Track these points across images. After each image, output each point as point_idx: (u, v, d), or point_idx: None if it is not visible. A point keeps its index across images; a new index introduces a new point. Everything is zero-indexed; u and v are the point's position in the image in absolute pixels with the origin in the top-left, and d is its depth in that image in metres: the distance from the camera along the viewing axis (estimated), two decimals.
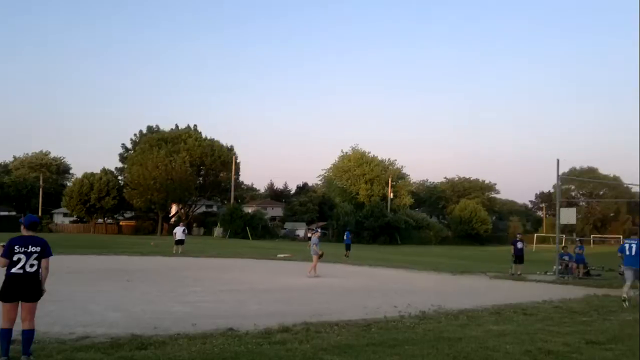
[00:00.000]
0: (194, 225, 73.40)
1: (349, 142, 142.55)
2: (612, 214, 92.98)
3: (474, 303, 12.11)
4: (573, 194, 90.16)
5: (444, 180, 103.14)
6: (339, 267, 22.34)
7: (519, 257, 21.96)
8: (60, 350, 6.49)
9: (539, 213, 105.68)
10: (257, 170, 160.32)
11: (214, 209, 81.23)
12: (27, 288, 6.24)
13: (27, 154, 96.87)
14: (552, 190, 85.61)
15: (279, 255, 29.33)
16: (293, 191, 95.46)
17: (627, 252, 13.35)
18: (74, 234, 63.02)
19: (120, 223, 77.62)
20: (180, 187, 66.17)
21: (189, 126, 75.95)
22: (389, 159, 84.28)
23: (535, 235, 72.89)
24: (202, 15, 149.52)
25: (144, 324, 8.41)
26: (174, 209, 73.98)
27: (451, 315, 10.40)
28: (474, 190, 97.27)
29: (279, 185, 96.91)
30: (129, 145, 78.20)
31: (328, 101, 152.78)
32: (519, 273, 21.21)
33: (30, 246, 6.25)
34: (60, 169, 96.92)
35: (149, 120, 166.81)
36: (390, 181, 77.22)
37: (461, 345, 7.49)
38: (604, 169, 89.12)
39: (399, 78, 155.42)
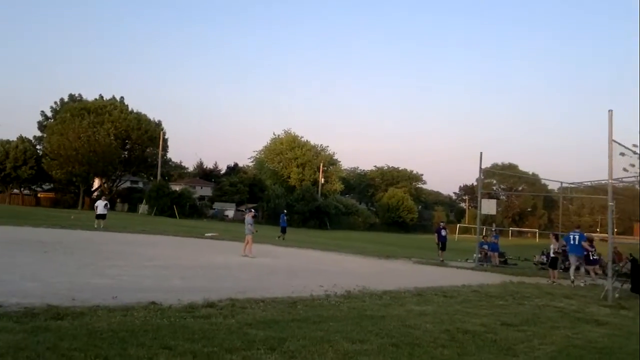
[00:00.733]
0: (118, 200, 70.86)
1: (281, 126, 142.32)
2: (529, 209, 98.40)
3: (397, 285, 12.47)
4: (494, 187, 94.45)
5: (374, 168, 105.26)
6: (267, 248, 22.33)
7: (443, 244, 22.83)
8: None
9: (462, 204, 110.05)
10: (186, 148, 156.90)
11: (140, 185, 78.77)
12: None
13: None
14: (475, 183, 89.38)
15: (206, 234, 28.95)
16: (223, 171, 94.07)
17: (571, 242, 16.53)
18: None
19: (39, 195, 73.74)
20: (104, 160, 63.44)
21: (114, 97, 72.81)
22: (321, 144, 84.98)
23: (458, 225, 76.04)
24: None
25: (61, 295, 8.04)
26: (96, 182, 71.01)
27: (375, 295, 10.67)
28: (402, 179, 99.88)
29: (208, 164, 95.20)
30: (49, 114, 74.02)
31: (259, 82, 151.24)
32: (441, 259, 22.05)
33: None
34: None
35: (71, 88, 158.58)
36: (321, 166, 77.84)
37: (384, 323, 7.71)
38: (524, 166, 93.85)
39: (334, 63, 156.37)
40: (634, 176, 15.53)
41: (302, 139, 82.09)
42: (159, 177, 66.65)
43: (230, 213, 68.58)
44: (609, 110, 12.83)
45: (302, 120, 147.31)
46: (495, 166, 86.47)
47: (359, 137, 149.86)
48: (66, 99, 74.07)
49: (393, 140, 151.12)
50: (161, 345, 5.51)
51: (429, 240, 46.05)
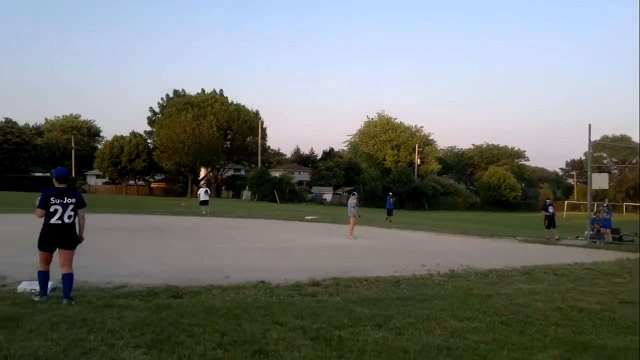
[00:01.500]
0: (223, 188, 74.33)
1: (375, 109, 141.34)
2: None
3: (503, 263, 12.09)
4: (605, 161, 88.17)
5: (472, 147, 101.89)
6: (368, 230, 22.43)
7: (551, 221, 21.73)
8: (100, 297, 6.74)
9: (570, 180, 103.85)
10: (284, 135, 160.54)
11: (242, 172, 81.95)
12: (65, 237, 6.50)
13: (58, 116, 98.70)
14: (583, 158, 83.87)
15: (306, 217, 29.58)
16: (319, 156, 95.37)
17: None
18: (106, 195, 64.51)
19: (152, 185, 79.09)
20: (208, 151, 66.77)
21: (214, 91, 76.03)
22: (415, 125, 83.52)
23: (566, 202, 71.82)
24: None
25: (178, 276, 8.63)
26: (202, 172, 74.81)
27: (480, 274, 10.42)
28: (502, 157, 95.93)
29: (305, 150, 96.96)
30: (157, 109, 78.86)
31: (354, 67, 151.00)
32: (556, 237, 21.07)
33: (65, 198, 6.48)
34: (91, 132, 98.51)
35: (175, 84, 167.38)
36: (417, 147, 76.56)
37: (491, 301, 7.53)
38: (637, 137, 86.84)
39: (428, 45, 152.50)
40: None
41: (396, 121, 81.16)
42: (259, 164, 68.94)
43: (328, 197, 69.52)
44: None
45: (396, 102, 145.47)
46: (605, 138, 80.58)
47: (455, 116, 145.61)
48: (171, 95, 78.44)
49: (492, 117, 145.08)
50: (272, 321, 5.77)
51: (534, 218, 44.01)
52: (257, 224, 23.80)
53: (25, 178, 64.74)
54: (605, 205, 26.29)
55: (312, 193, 71.89)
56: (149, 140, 76.82)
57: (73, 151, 78.50)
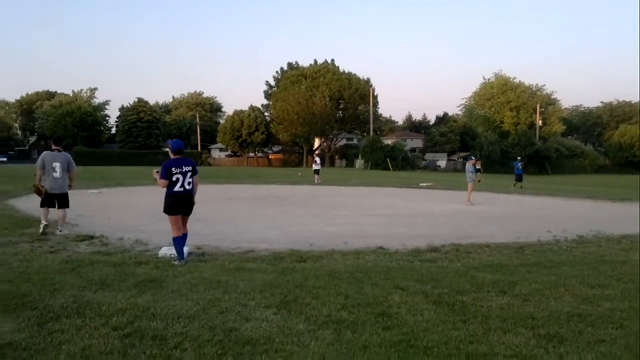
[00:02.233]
0: (336, 157, 75.42)
1: (491, 69, 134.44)
2: None
3: (638, 229, 11.17)
4: None
5: (600, 105, 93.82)
6: (486, 195, 21.72)
7: None
8: (232, 261, 7.23)
9: None
10: (395, 102, 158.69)
11: (355, 141, 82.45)
12: (187, 203, 7.24)
13: (183, 94, 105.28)
14: None
15: (421, 184, 29.26)
16: (432, 122, 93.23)
17: None
18: (229, 167, 68.19)
19: (270, 156, 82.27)
20: (321, 121, 67.88)
21: (326, 61, 76.61)
22: (536, 84, 78.29)
23: None
24: None
25: (300, 242, 9.01)
26: (317, 142, 76.33)
27: (612, 239, 9.76)
28: (635, 114, 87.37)
29: (417, 116, 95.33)
30: (272, 83, 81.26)
31: (467, 25, 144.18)
32: None
33: (183, 167, 7.13)
34: (214, 107, 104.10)
35: (289, 56, 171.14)
36: (538, 108, 71.97)
37: (626, 268, 7.05)
38: None
39: None
40: None
41: (515, 81, 76.59)
42: (371, 132, 68.90)
43: (442, 163, 68.02)
44: None
45: (514, 61, 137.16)
46: None
47: (580, 71, 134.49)
48: (285, 68, 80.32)
49: (621, 69, 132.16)
50: (393, 285, 5.87)
51: None
52: (371, 192, 23.95)
53: (157, 153, 70.10)
54: None
55: (426, 160, 70.73)
56: (266, 114, 79.68)
57: (198, 126, 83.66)
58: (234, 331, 4.30)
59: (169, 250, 7.53)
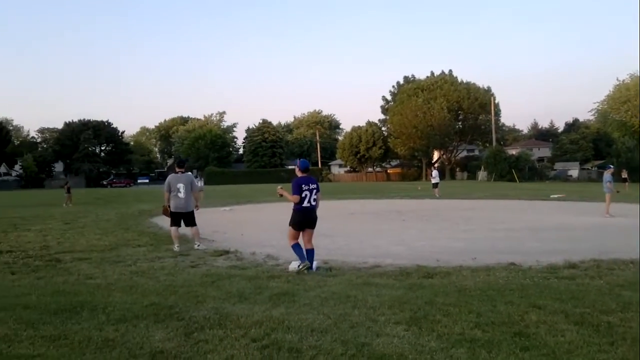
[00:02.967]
0: (457, 170, 73.44)
1: (624, 70, 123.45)
2: None
3: None
4: None
5: None
6: (626, 207, 19.91)
7: None
8: (358, 275, 7.32)
9: None
10: (519, 110, 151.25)
11: (476, 152, 79.84)
12: (312, 218, 7.75)
13: (303, 113, 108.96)
14: None
15: (552, 196, 27.55)
16: (561, 129, 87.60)
17: None
18: (348, 182, 69.18)
19: (388, 171, 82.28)
20: (440, 133, 66.65)
21: (443, 72, 75.28)
22: None
23: None
24: None
25: (426, 257, 8.88)
26: (436, 154, 74.97)
27: None
28: None
29: (543, 124, 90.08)
30: (389, 97, 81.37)
31: (595, 23, 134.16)
32: None
33: (310, 184, 7.67)
34: (332, 125, 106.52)
35: (405, 70, 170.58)
36: None
37: None
38: None
39: None
40: None
41: None
42: (494, 142, 66.32)
43: (574, 172, 63.51)
44: None
45: None
46: None
47: None
48: (402, 82, 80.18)
49: None
50: (529, 304, 5.57)
51: None
52: (497, 205, 22.98)
53: (280, 171, 73.08)
54: None
55: (555, 169, 66.45)
56: (383, 128, 79.96)
57: (318, 144, 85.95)
58: (366, 346, 4.34)
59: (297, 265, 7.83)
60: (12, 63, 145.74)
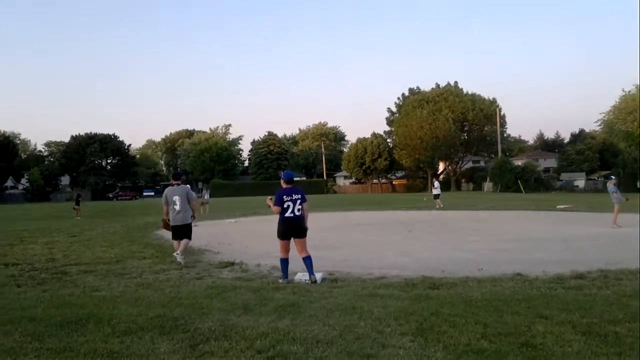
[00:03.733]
0: (463, 181, 73.30)
1: (630, 81, 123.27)
2: None
3: None
4: None
5: None
6: (634, 217, 19.78)
7: None
8: (364, 287, 7.30)
9: None
10: (524, 121, 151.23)
11: (482, 164, 79.72)
12: (297, 228, 7.79)
13: (308, 126, 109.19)
14: None
15: (558, 207, 27.41)
16: (567, 140, 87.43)
17: None
18: (354, 194, 69.18)
19: (393, 182, 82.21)
20: (445, 145, 66.61)
21: (449, 83, 75.40)
22: None
23: None
24: None
25: (432, 268, 8.84)
26: (441, 166, 74.90)
27: None
28: None
29: (549, 134, 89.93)
30: (394, 109, 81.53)
31: (599, 34, 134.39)
32: None
33: (293, 195, 7.78)
34: (337, 137, 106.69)
35: (410, 82, 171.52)
36: None
37: None
38: None
39: None
40: None
41: None
42: (499, 153, 66.21)
43: (580, 183, 63.20)
44: None
45: None
46: None
47: None
48: (407, 94, 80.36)
49: None
50: (536, 314, 5.54)
51: None
52: (503, 216, 22.89)
53: None
54: None
55: (561, 180, 66.15)
56: (388, 140, 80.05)
57: (323, 156, 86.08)
58: (372, 358, 4.33)
59: (304, 276, 7.83)
60: (19, 78, 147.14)
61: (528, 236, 14.42)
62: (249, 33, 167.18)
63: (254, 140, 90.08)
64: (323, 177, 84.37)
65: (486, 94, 74.75)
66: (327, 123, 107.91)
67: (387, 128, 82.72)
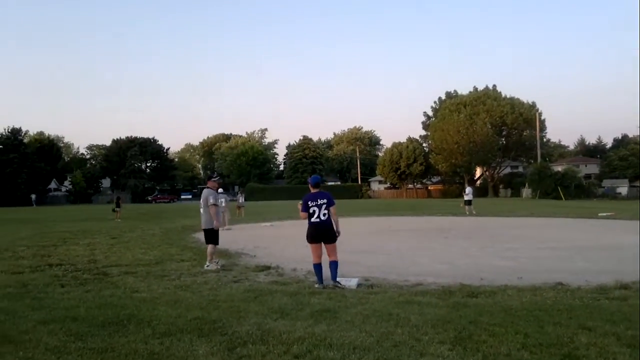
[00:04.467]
0: (500, 186, 72.00)
1: None
2: None
3: None
4: None
5: None
6: None
7: None
8: (400, 294, 7.24)
9: None
10: (565, 125, 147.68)
11: (520, 169, 78.20)
12: (325, 232, 7.86)
13: (343, 130, 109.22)
14: None
15: (600, 214, 26.63)
16: (609, 145, 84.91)
17: None
18: (388, 199, 68.71)
19: (429, 187, 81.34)
20: (483, 149, 65.57)
21: (487, 87, 74.28)
22: None
23: None
24: None
25: (470, 275, 8.71)
26: (478, 171, 73.76)
27: None
28: None
29: (591, 139, 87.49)
30: (430, 113, 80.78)
31: None
32: None
33: (318, 200, 7.87)
34: (372, 141, 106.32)
35: (447, 86, 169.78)
36: None
37: None
38: None
39: None
40: None
41: None
42: (539, 159, 64.80)
43: (623, 190, 61.26)
44: None
45: None
46: None
47: None
48: (443, 97, 79.53)
49: None
50: (579, 325, 5.39)
51: None
52: (542, 223, 22.37)
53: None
54: None
55: (603, 187, 64.23)
56: (424, 144, 79.32)
57: (358, 160, 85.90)
58: None
59: (346, 282, 7.85)
60: (64, 85, 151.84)
61: (569, 244, 14.06)
62: (287, 37, 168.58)
63: (289, 144, 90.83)
64: (358, 182, 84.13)
65: (526, 98, 73.20)
66: (362, 127, 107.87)
67: (423, 132, 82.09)
